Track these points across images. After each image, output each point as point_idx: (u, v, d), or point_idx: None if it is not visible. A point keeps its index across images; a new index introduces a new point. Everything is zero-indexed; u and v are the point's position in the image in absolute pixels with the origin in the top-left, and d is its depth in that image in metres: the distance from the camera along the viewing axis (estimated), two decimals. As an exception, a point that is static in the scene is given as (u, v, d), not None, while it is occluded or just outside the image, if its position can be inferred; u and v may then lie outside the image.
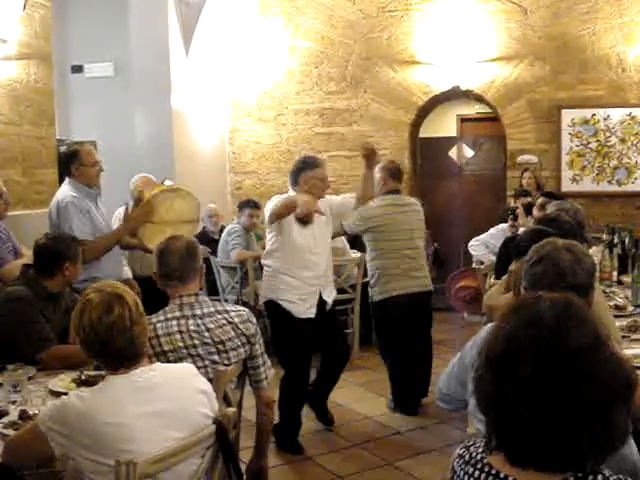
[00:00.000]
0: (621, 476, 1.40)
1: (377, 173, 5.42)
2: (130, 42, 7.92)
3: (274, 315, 4.92)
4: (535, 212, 5.76)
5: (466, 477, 1.49)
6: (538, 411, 1.34)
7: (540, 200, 5.91)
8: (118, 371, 2.36)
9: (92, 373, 3.14)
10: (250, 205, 7.37)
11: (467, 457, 1.52)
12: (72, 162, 4.70)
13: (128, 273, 5.29)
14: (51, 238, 3.80)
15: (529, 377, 1.34)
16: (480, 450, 1.51)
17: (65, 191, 4.71)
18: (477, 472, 1.47)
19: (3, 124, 5.47)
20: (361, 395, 5.90)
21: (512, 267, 3.46)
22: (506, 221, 6.42)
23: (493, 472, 1.44)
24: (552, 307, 1.41)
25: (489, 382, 1.41)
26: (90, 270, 4.45)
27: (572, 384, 1.33)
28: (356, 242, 7.02)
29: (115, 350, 2.34)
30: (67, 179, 4.77)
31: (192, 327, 3.05)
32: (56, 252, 3.70)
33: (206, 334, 3.06)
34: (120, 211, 5.65)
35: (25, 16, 5.64)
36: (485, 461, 1.47)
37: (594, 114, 8.33)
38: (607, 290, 4.86)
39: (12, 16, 5.48)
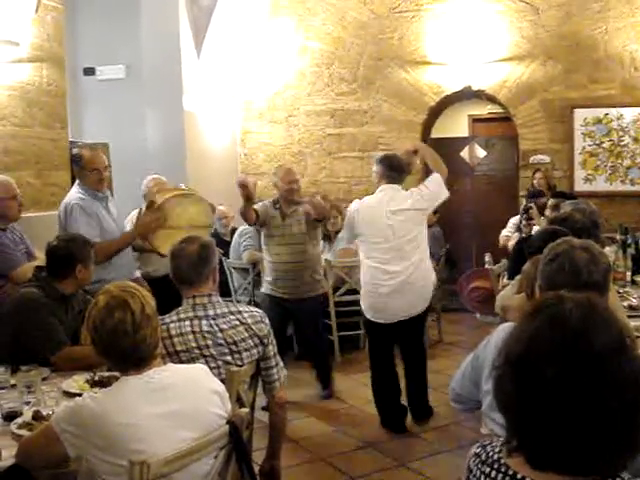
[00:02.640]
0: None
1: None
2: (142, 44, 7.94)
3: None
4: (547, 212, 5.74)
5: (482, 477, 1.47)
6: (560, 414, 1.31)
7: (552, 201, 5.89)
8: (129, 372, 2.36)
9: (105, 374, 3.15)
10: (262, 206, 7.36)
11: (484, 456, 1.50)
12: (75, 165, 4.82)
13: (137, 273, 5.31)
14: (63, 240, 3.80)
15: (552, 379, 1.31)
16: (497, 450, 1.49)
17: (73, 193, 4.78)
18: (494, 472, 1.45)
19: (16, 126, 5.49)
20: (372, 396, 5.89)
21: (525, 267, 3.44)
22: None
23: (510, 473, 1.41)
24: (577, 308, 1.38)
25: (510, 383, 1.38)
26: (100, 272, 4.48)
27: (597, 387, 1.30)
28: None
29: (119, 353, 2.35)
30: (77, 181, 4.84)
31: (205, 327, 3.06)
32: (68, 254, 3.70)
33: (219, 335, 3.07)
34: (134, 214, 5.67)
35: (37, 19, 5.66)
36: (502, 461, 1.44)
37: (607, 113, 8.29)
38: (621, 290, 4.83)
39: (24, 19, 5.50)
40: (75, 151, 5.00)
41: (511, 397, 1.38)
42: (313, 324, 5.99)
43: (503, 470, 1.43)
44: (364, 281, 5.22)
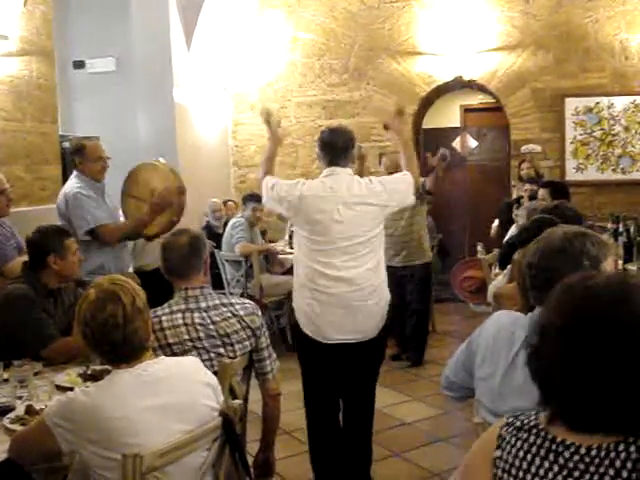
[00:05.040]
0: None
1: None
2: (132, 37, 7.92)
3: None
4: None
5: (519, 442, 1.52)
6: (604, 376, 1.39)
7: (541, 191, 5.89)
8: (121, 366, 2.36)
9: (98, 368, 3.14)
10: (254, 199, 7.37)
11: (519, 424, 1.56)
12: (77, 155, 4.83)
13: (130, 268, 5.32)
14: (35, 231, 3.73)
15: (596, 345, 1.40)
16: (532, 417, 1.55)
17: (71, 184, 4.83)
18: (533, 437, 1.51)
19: (6, 120, 5.47)
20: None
21: (515, 256, 3.45)
22: (509, 213, 6.36)
23: (550, 437, 1.48)
24: (611, 278, 1.50)
25: (551, 353, 1.46)
26: (101, 259, 4.61)
27: (633, 352, 1.39)
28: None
29: (110, 346, 2.34)
30: (74, 172, 4.86)
31: (197, 320, 3.05)
32: (37, 245, 3.65)
33: (211, 327, 3.06)
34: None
35: (26, 12, 5.64)
36: (541, 427, 1.51)
37: (598, 102, 8.31)
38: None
39: (13, 12, 5.48)
40: (74, 142, 5.02)
41: (555, 365, 1.45)
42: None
43: (543, 434, 1.50)
44: (298, 283, 3.93)
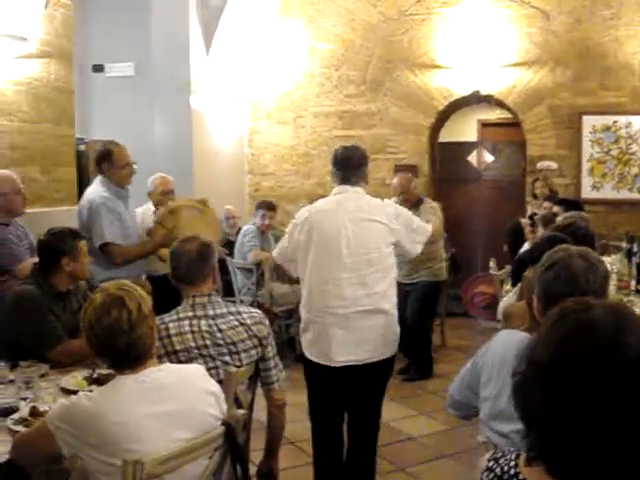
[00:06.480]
0: None
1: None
2: (151, 42, 7.96)
3: None
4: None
5: None
6: (591, 422, 1.25)
7: (555, 209, 5.86)
8: (125, 371, 2.35)
9: (104, 372, 3.13)
10: (263, 206, 7.38)
11: (498, 471, 1.43)
12: (104, 161, 4.80)
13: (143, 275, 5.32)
14: (48, 234, 3.75)
15: (583, 386, 1.26)
16: (512, 464, 1.41)
17: (97, 191, 4.78)
18: None
19: (23, 122, 5.50)
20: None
21: (527, 273, 3.43)
22: (521, 236, 6.29)
23: None
24: (607, 313, 1.33)
25: (536, 390, 1.32)
26: (113, 270, 4.54)
27: (630, 394, 1.24)
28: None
29: (114, 352, 2.34)
30: (99, 177, 4.85)
31: (204, 327, 3.05)
32: (51, 247, 3.67)
33: (218, 335, 3.06)
34: (139, 211, 5.67)
35: (46, 15, 5.67)
36: (521, 477, 1.38)
37: (615, 121, 8.26)
38: (625, 299, 4.80)
39: (33, 15, 5.51)
40: (101, 148, 4.99)
41: (537, 405, 1.32)
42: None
43: None
44: (306, 308, 3.92)
